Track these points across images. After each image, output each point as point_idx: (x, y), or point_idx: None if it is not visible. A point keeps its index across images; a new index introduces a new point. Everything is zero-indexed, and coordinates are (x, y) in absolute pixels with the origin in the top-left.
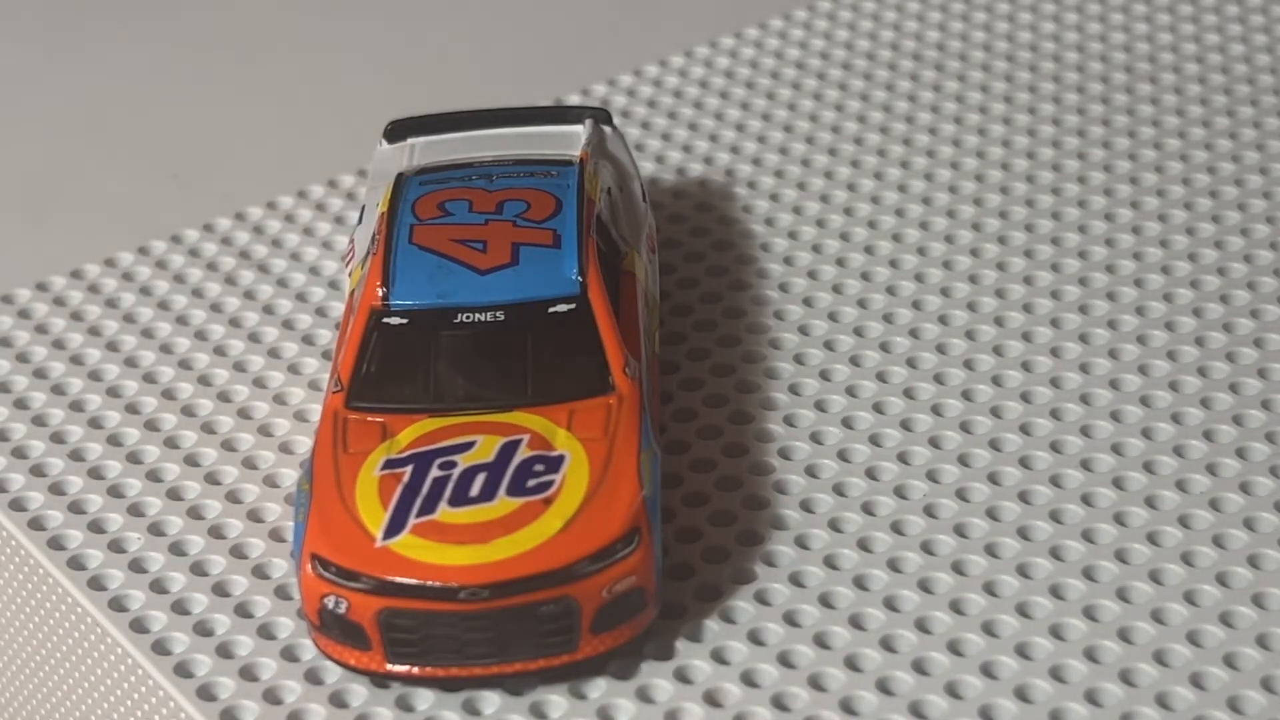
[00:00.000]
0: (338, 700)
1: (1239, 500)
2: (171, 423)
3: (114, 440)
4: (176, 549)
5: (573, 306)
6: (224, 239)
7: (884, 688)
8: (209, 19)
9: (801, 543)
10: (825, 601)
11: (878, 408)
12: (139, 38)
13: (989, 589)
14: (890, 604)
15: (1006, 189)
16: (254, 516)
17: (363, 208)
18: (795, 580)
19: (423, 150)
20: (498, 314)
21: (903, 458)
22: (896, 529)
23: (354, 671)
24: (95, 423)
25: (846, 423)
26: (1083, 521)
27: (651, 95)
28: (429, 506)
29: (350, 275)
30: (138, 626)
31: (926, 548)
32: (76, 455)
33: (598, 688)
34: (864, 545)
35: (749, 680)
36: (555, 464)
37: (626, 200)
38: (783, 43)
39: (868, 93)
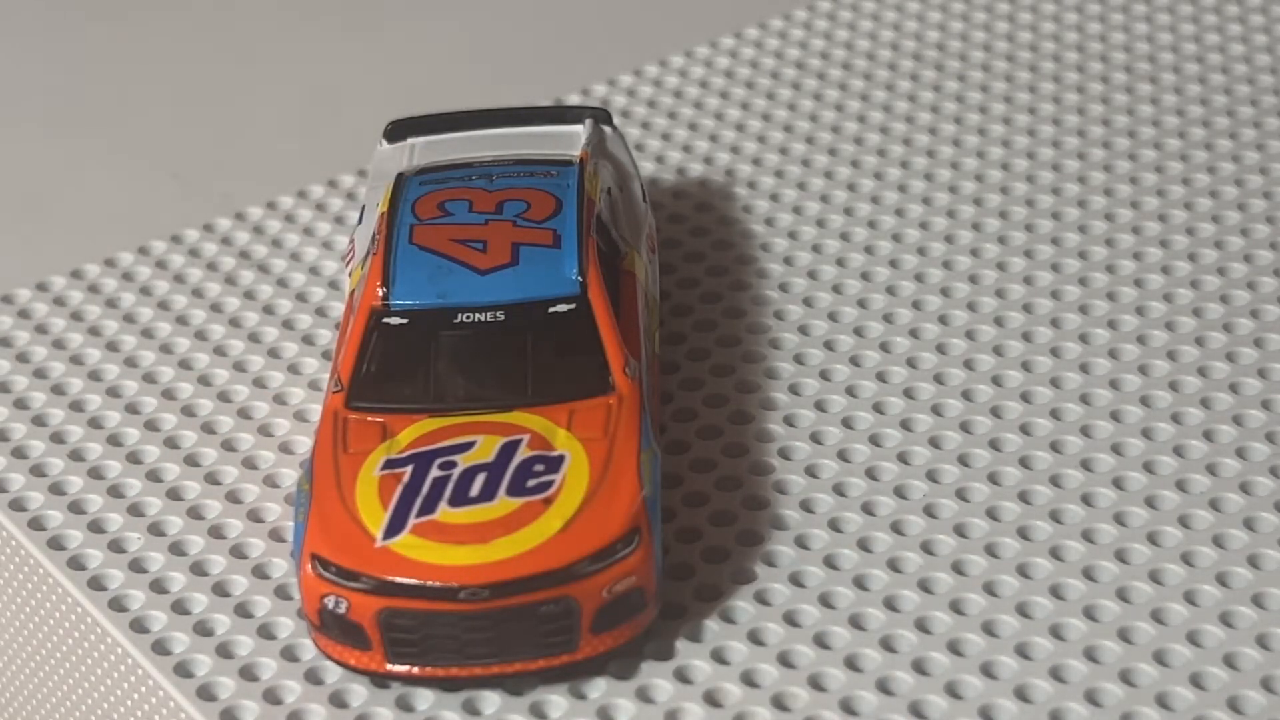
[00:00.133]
0: (338, 700)
1: (1239, 500)
2: (171, 423)
3: (114, 440)
4: (176, 549)
5: (573, 306)
6: (224, 239)
7: (884, 688)
8: (209, 19)
9: (801, 543)
10: (825, 601)
11: (878, 408)
12: (139, 38)
13: (989, 589)
14: (890, 604)
15: (1006, 189)
16: (254, 516)
17: (363, 208)
18: (795, 580)
19: (423, 150)
20: (498, 314)
21: (903, 458)
22: (896, 529)
23: (354, 671)
24: (95, 423)
25: (846, 423)
26: (1083, 521)
27: (651, 95)
28: (429, 506)
29: (350, 275)
30: (138, 626)
31: (926, 548)
32: (76, 455)
33: (598, 688)
34: (864, 545)
35: (749, 680)
36: (555, 464)
37: (626, 200)
38: (783, 43)
39: (868, 93)
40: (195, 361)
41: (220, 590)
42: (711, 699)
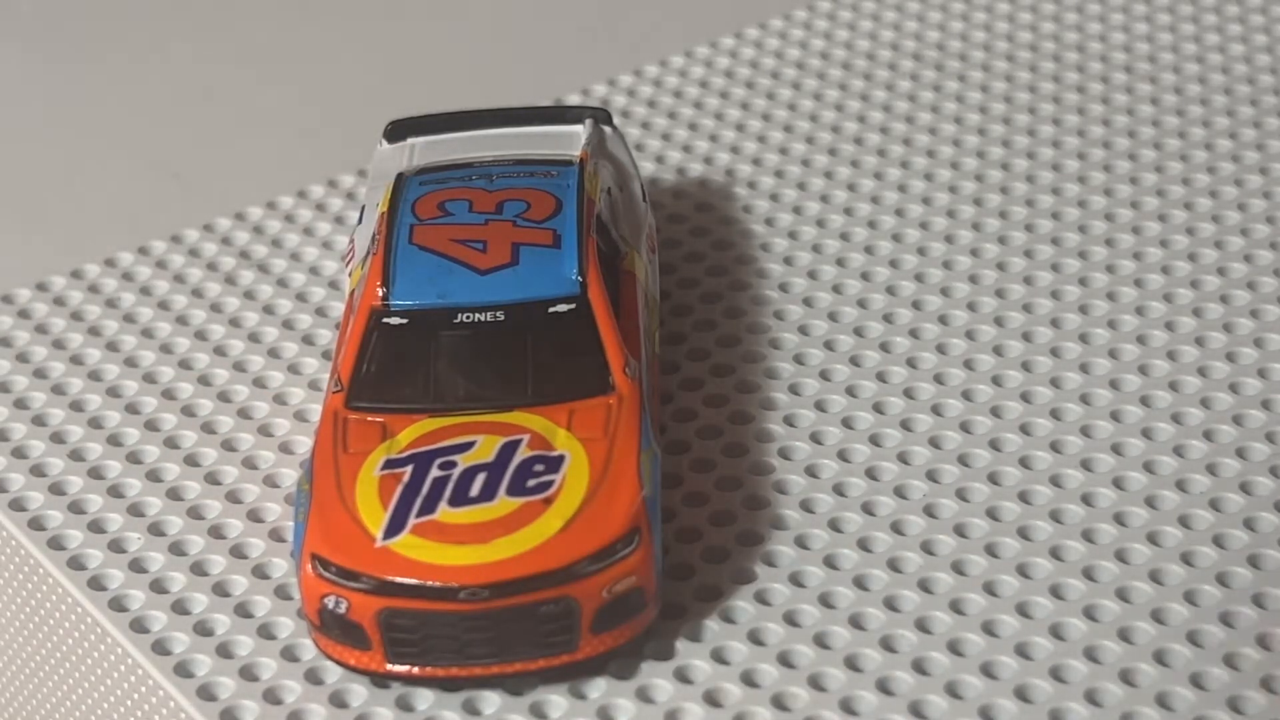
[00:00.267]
0: (338, 700)
1: (1239, 500)
2: (171, 423)
3: (114, 440)
4: (176, 549)
5: (573, 306)
6: (224, 239)
7: (884, 688)
8: (209, 19)
9: (801, 543)
10: (825, 601)
11: (878, 408)
12: (139, 38)
13: (989, 589)
14: (890, 604)
15: (1006, 189)
16: (254, 516)
17: (363, 208)
18: (795, 580)
19: (423, 150)
20: (498, 314)
21: (903, 458)
22: (896, 529)
23: (354, 671)
24: (95, 423)
25: (846, 423)
26: (1083, 521)
27: (651, 95)
28: (429, 506)
29: (350, 275)
30: (138, 626)
31: (926, 548)
32: (76, 455)
33: (598, 688)
34: (864, 545)
35: (749, 680)
36: (555, 464)
37: (626, 200)
38: (783, 43)
39: (868, 93)
40: (195, 361)
41: (220, 590)
42: (712, 699)
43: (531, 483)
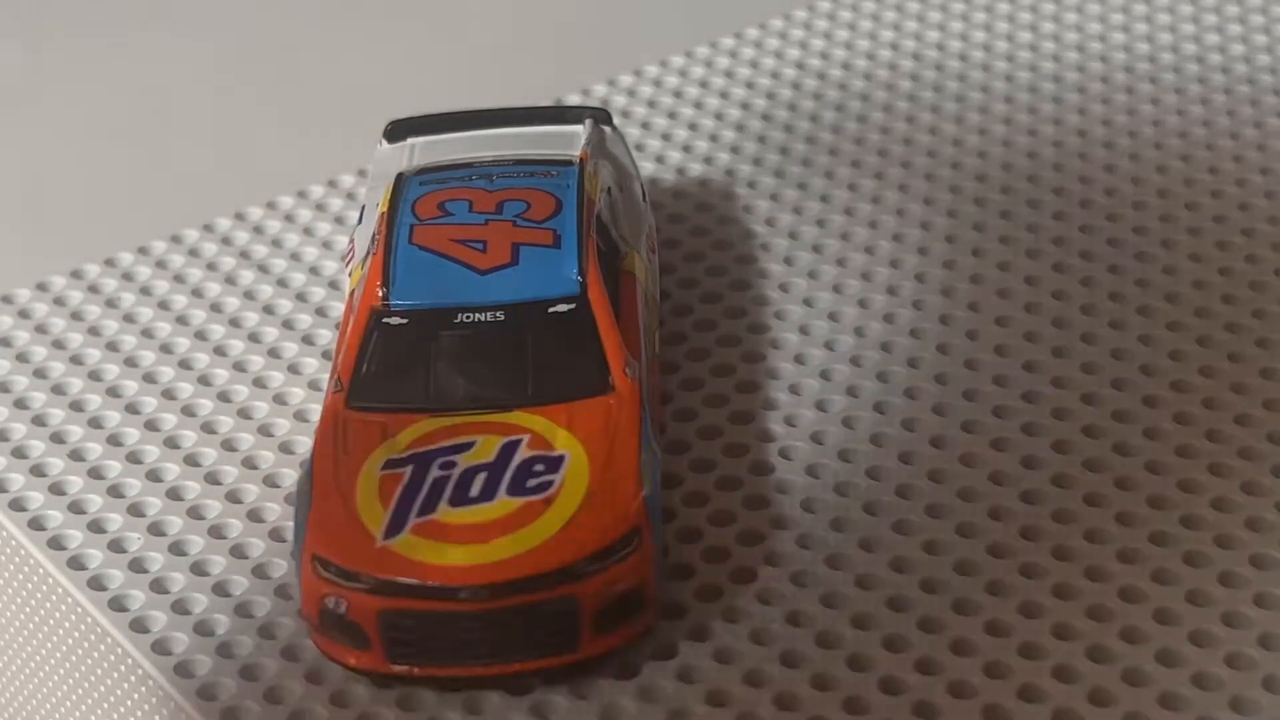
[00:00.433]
0: (338, 700)
1: (1239, 500)
2: (171, 423)
3: (114, 440)
4: (176, 549)
5: (573, 306)
6: (224, 239)
7: (887, 688)
8: (209, 19)
9: (803, 542)
10: (827, 601)
11: (878, 408)
12: (139, 38)
13: (992, 589)
14: (893, 604)
15: (1008, 189)
16: (254, 516)
17: (363, 208)
18: (796, 580)
19: (423, 150)
20: (498, 314)
21: (904, 458)
22: (898, 529)
23: (354, 671)
24: (95, 423)
25: (847, 423)
26: (1085, 521)
27: (651, 95)
28: (429, 506)
29: (350, 275)
30: (138, 626)
31: (929, 548)
32: (76, 455)
33: (599, 688)
34: (866, 545)
35: (751, 680)
36: (555, 464)
37: (626, 200)
38: (783, 43)
39: (868, 93)
40: (195, 361)
41: (220, 590)
42: (714, 699)
43: (532, 483)
